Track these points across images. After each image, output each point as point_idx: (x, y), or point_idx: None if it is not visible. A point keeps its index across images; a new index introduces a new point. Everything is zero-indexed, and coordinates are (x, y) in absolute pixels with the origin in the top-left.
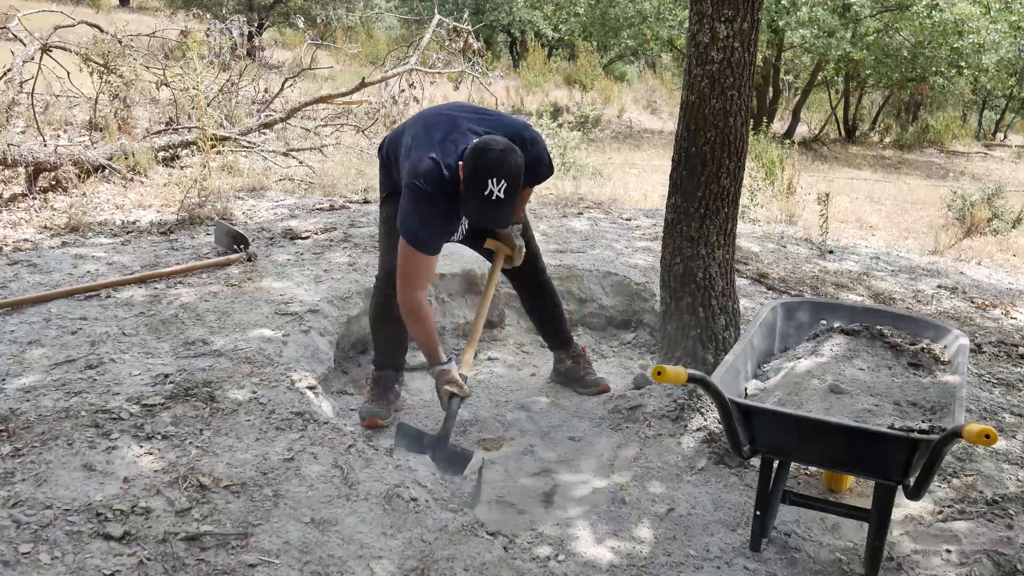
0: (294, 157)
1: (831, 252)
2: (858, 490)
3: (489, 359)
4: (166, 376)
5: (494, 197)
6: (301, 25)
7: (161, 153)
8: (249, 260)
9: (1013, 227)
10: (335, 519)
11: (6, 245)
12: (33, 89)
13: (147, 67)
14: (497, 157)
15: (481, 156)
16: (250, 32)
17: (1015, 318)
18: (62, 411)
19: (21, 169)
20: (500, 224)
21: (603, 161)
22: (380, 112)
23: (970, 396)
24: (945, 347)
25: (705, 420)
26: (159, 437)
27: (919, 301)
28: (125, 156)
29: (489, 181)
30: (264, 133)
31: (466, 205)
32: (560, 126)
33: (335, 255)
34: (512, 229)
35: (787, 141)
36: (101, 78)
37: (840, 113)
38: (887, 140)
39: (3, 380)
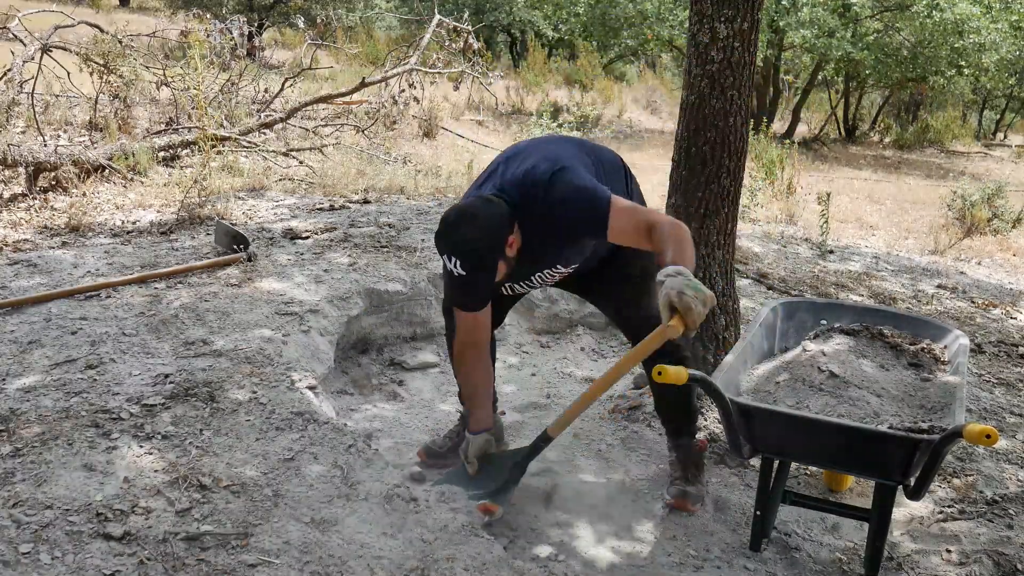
0: (294, 157)
1: (831, 252)
2: (858, 490)
3: None
4: (166, 376)
5: (455, 274)
6: (301, 25)
7: (161, 153)
8: (249, 260)
9: (1013, 227)
10: (335, 519)
11: (6, 245)
12: (33, 89)
13: (147, 67)
14: (444, 230)
15: (437, 228)
16: (250, 32)
17: (1015, 318)
18: (62, 411)
19: (21, 169)
20: (479, 299)
21: None
22: (380, 112)
23: (970, 396)
24: (945, 347)
25: (705, 420)
26: (159, 437)
27: (919, 301)
28: (125, 156)
29: (444, 258)
30: (264, 133)
31: (445, 288)
32: (560, 126)
33: (335, 255)
34: (665, 289)
35: (787, 141)
36: (101, 78)
37: (840, 113)
38: (887, 140)
39: (3, 380)
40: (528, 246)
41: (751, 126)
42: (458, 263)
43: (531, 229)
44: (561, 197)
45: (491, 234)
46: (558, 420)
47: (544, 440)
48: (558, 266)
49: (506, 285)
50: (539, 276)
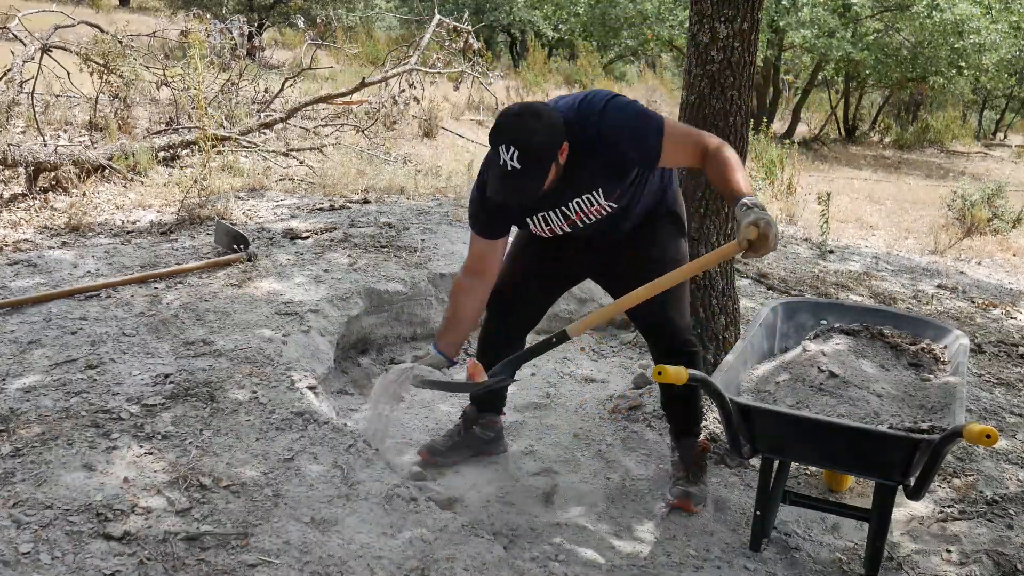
0: (294, 157)
1: (831, 252)
2: (858, 490)
3: None
4: (166, 376)
5: (509, 168)
6: (301, 25)
7: (161, 153)
8: (249, 260)
9: (1013, 227)
10: (335, 519)
11: (6, 245)
12: (33, 89)
13: (147, 67)
14: (506, 121)
15: (495, 122)
16: (250, 32)
17: (1015, 318)
18: (62, 411)
19: (21, 169)
20: (524, 199)
21: None
22: (380, 112)
23: (970, 396)
24: (945, 347)
25: (705, 420)
26: (159, 437)
27: (920, 301)
28: (125, 156)
29: (500, 149)
30: (264, 133)
31: (490, 183)
32: None
33: (335, 255)
34: (756, 214)
35: (787, 141)
36: (101, 78)
37: (840, 113)
38: (887, 140)
39: (3, 380)
40: (572, 165)
41: (751, 126)
42: (516, 155)
43: (580, 149)
44: (614, 120)
45: (552, 133)
46: (582, 320)
47: (561, 338)
48: (598, 192)
49: (538, 216)
50: (578, 203)
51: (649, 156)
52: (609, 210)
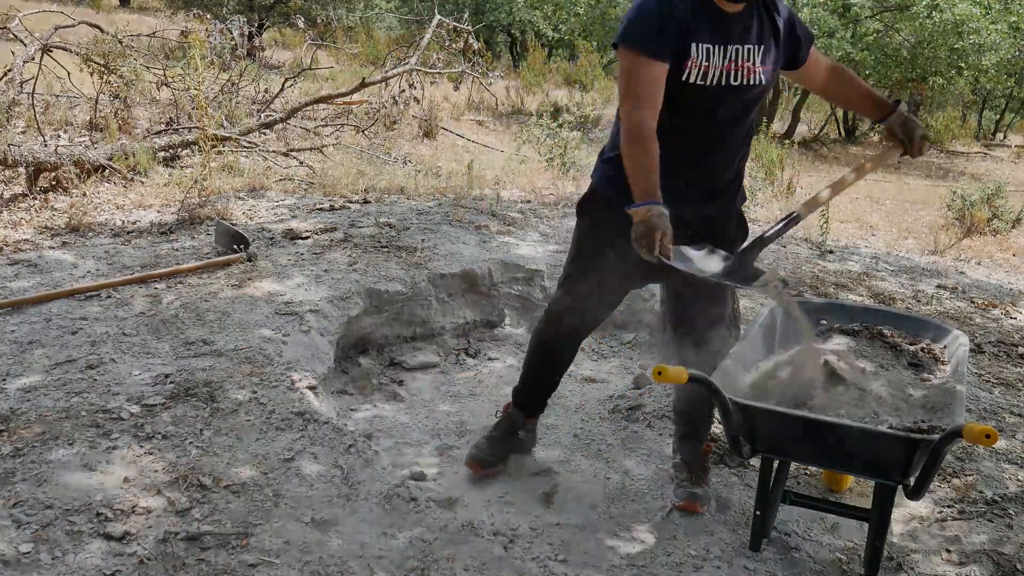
0: (294, 157)
1: (831, 252)
2: (858, 490)
3: (489, 359)
4: (166, 376)
5: None
6: (301, 25)
7: (161, 153)
8: (249, 260)
9: (1013, 227)
10: (335, 519)
11: (6, 245)
12: (33, 89)
13: (147, 67)
14: None
15: None
16: (250, 32)
17: (1015, 318)
18: (62, 411)
19: (21, 169)
20: None
21: None
22: (380, 112)
23: (970, 396)
24: (945, 347)
25: None
26: (159, 437)
27: (919, 301)
28: (125, 156)
29: None
30: (264, 133)
31: None
32: (560, 126)
33: (335, 255)
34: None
35: (787, 141)
36: (101, 78)
37: (840, 113)
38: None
39: (3, 380)
40: (758, 13)
41: None
42: None
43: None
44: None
45: None
46: (808, 201)
47: (793, 220)
48: (758, 49)
49: (703, 47)
50: (748, 48)
51: (807, 36)
52: (756, 82)
